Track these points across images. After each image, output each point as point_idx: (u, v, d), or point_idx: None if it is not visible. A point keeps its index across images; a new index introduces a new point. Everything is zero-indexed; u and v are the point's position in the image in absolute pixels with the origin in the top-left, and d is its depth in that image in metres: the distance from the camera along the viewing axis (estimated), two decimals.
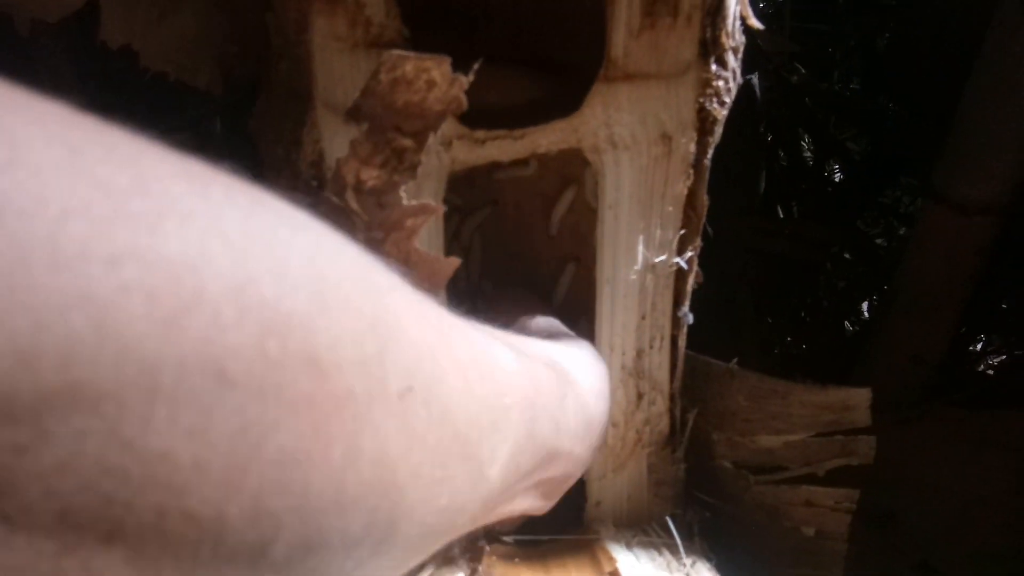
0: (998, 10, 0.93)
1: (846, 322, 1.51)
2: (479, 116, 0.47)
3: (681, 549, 0.50)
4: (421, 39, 0.44)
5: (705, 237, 1.60)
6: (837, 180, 1.65)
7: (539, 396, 0.29)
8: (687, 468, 0.60)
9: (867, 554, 0.98)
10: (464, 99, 0.35)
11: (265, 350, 0.15)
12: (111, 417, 0.13)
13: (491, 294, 0.56)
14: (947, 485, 1.08)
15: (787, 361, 1.43)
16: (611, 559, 0.50)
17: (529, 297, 0.54)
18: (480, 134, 0.46)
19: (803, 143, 1.62)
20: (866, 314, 1.48)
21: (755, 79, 1.51)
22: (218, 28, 0.50)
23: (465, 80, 0.35)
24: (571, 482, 0.37)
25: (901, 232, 1.51)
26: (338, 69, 0.41)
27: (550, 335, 0.43)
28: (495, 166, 0.51)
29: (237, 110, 0.51)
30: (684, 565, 0.49)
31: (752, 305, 1.47)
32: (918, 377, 1.16)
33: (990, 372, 1.31)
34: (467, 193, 0.56)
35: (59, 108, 0.15)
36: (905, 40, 1.31)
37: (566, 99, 0.49)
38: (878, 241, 1.60)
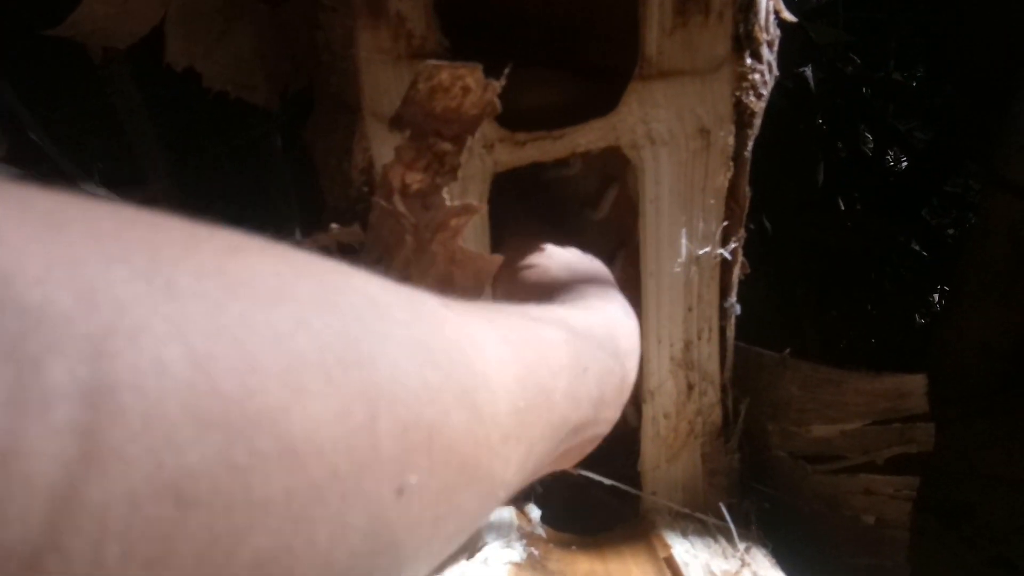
0: None
1: (915, 315, 1.48)
2: (519, 118, 0.49)
3: (735, 535, 0.51)
4: (460, 46, 0.46)
5: (763, 232, 1.57)
6: (899, 170, 1.61)
7: (556, 380, 0.28)
8: (742, 459, 0.61)
9: (941, 548, 0.95)
10: (498, 103, 0.37)
11: (230, 459, 0.13)
12: (57, 572, 0.11)
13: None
14: (1021, 478, 1.04)
15: (852, 355, 1.41)
16: (665, 545, 0.51)
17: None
18: (521, 136, 0.48)
19: (862, 134, 1.59)
20: (936, 306, 1.44)
21: (808, 71, 1.49)
22: (272, 48, 0.53)
23: (498, 85, 0.36)
24: (598, 441, 0.37)
25: (970, 221, 1.47)
26: (383, 81, 0.44)
27: (577, 283, 0.42)
28: (541, 167, 0.52)
29: (293, 125, 0.54)
30: (739, 550, 0.49)
31: (814, 300, 1.45)
32: (989, 368, 1.13)
33: None
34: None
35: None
36: (961, 24, 1.28)
37: (604, 99, 0.50)
38: (948, 231, 1.55)
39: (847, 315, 1.47)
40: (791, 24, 1.55)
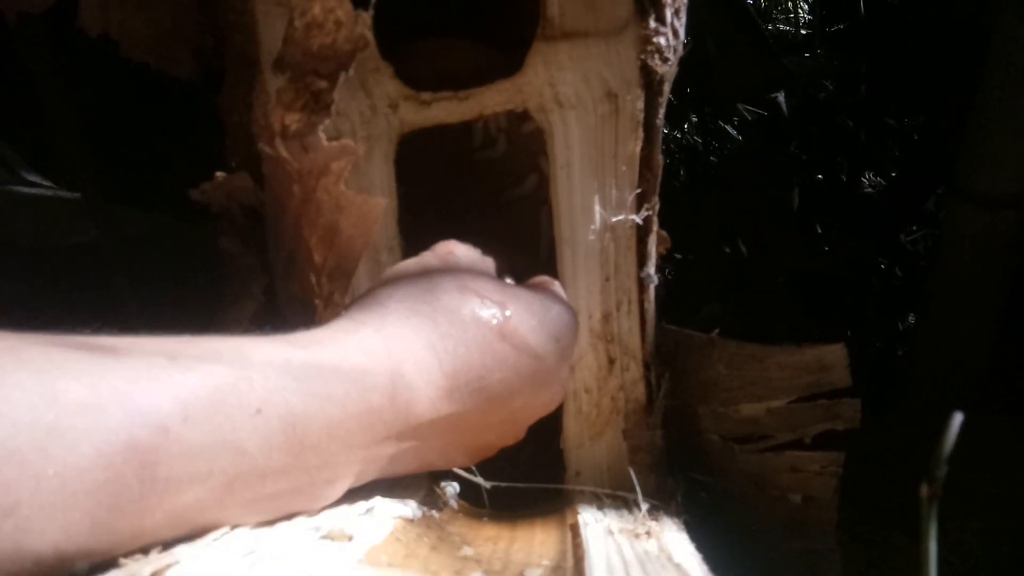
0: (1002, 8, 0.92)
1: (894, 336, 1.46)
2: (432, 83, 0.50)
3: (640, 498, 0.50)
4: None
5: (739, 256, 1.57)
6: (873, 193, 1.62)
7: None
8: (667, 437, 0.60)
9: (911, 566, 0.93)
10: (369, 36, 0.38)
11: None
12: None
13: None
14: (996, 495, 1.02)
15: None
16: (575, 513, 0.49)
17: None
18: (426, 96, 0.49)
19: (837, 159, 1.60)
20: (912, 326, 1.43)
21: (781, 97, 1.51)
22: (194, 21, 0.54)
23: (367, 16, 0.37)
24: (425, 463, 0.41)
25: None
26: (280, 32, 0.45)
27: (409, 298, 0.39)
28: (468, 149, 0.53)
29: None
30: (646, 519, 0.48)
31: (790, 323, 1.44)
32: (963, 384, 1.11)
33: None
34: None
35: None
36: (918, 50, 1.30)
37: (514, 65, 0.51)
38: (922, 250, 1.55)
39: (825, 338, 1.45)
40: (768, 50, 1.56)
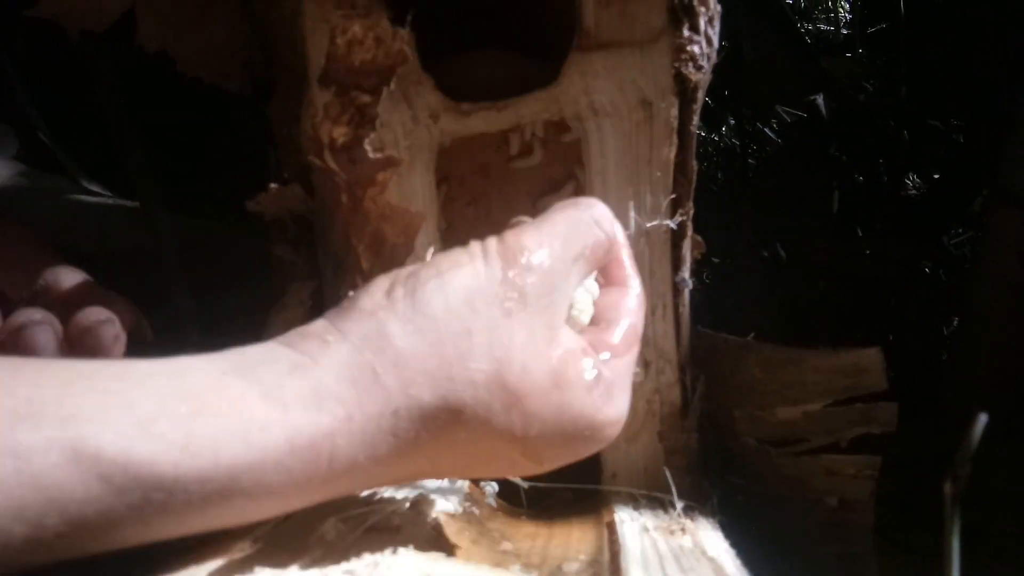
0: None
1: (934, 339, 1.44)
2: (468, 94, 0.51)
3: (676, 500, 0.51)
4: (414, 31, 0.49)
5: (778, 259, 1.56)
6: (916, 196, 1.60)
7: None
8: (703, 441, 0.60)
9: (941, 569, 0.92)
10: (408, 51, 0.39)
11: None
12: None
13: None
14: None
15: None
16: (610, 511, 0.50)
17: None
18: (465, 106, 0.50)
19: (878, 161, 1.58)
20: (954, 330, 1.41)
21: (820, 99, 1.50)
22: (245, 37, 0.57)
23: (405, 33, 0.39)
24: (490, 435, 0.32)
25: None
26: (326, 48, 0.47)
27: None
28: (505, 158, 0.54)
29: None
30: (681, 517, 0.49)
31: (830, 327, 1.43)
32: (1006, 389, 1.09)
33: None
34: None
35: None
36: (968, 42, 1.28)
37: (551, 75, 0.52)
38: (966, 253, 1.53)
39: (865, 342, 1.44)
40: (804, 55, 1.55)
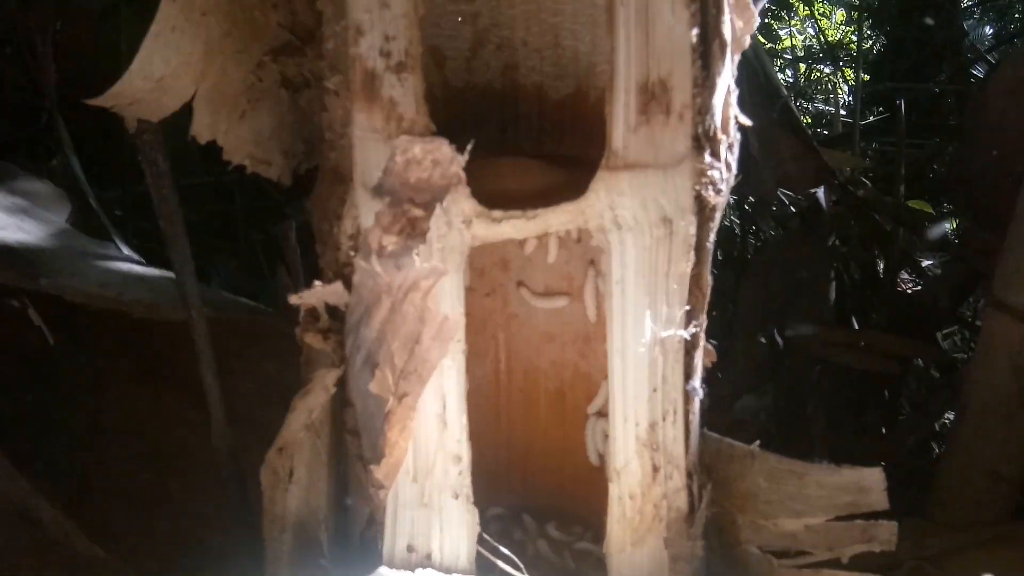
0: None
1: (928, 437, 1.46)
2: (501, 201, 0.54)
3: None
4: (456, 139, 0.52)
5: (774, 347, 1.58)
6: (913, 294, 1.63)
7: None
8: (707, 548, 0.61)
9: None
10: (463, 174, 0.42)
11: None
12: None
13: None
14: None
15: None
16: None
17: None
18: (497, 214, 0.53)
19: (876, 257, 1.62)
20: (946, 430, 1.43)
21: (821, 193, 1.54)
22: (288, 127, 0.60)
23: (463, 159, 0.41)
24: None
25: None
26: (374, 156, 0.49)
27: None
28: None
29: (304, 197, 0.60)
30: None
31: (823, 416, 1.45)
32: (998, 495, 1.10)
33: None
34: None
35: None
36: (967, 152, 1.33)
37: (579, 187, 0.55)
38: (961, 356, 1.56)
39: (857, 432, 1.46)
40: (808, 147, 1.61)
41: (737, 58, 0.55)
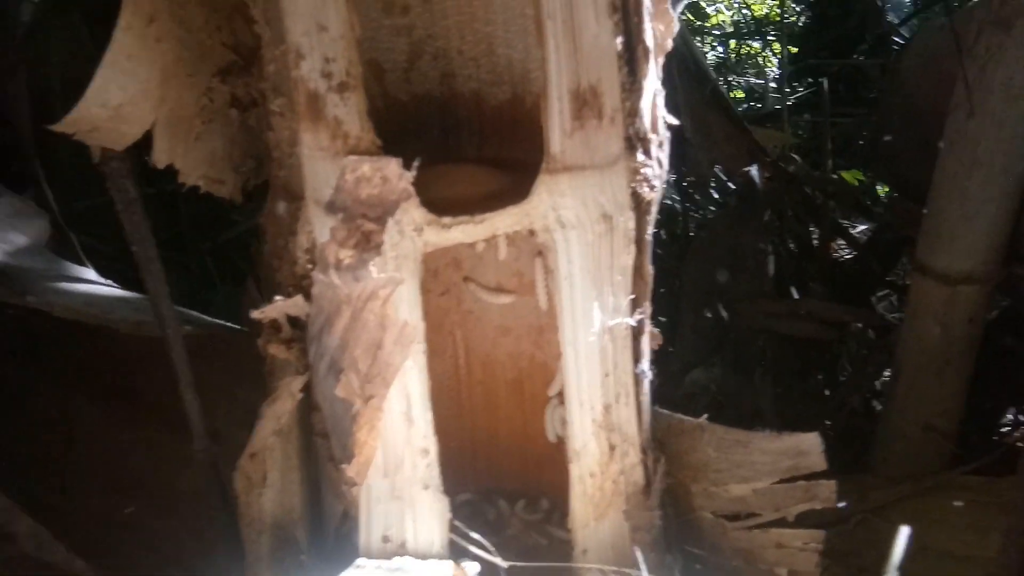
0: (955, 91, 1.02)
1: (868, 397, 1.53)
2: (449, 206, 0.57)
3: (645, 574, 0.55)
4: (399, 148, 0.54)
5: (720, 320, 1.64)
6: (845, 261, 1.70)
7: None
8: (672, 520, 0.66)
9: None
10: (412, 190, 0.45)
11: None
12: None
13: None
14: (967, 554, 1.07)
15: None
16: None
17: None
18: (447, 220, 0.55)
19: (808, 229, 1.68)
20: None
21: (754, 171, 1.60)
22: (238, 145, 0.61)
23: (411, 175, 0.44)
24: None
25: None
26: (323, 173, 0.52)
27: None
28: None
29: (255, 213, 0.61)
30: None
31: (770, 383, 1.51)
32: (934, 447, 1.17)
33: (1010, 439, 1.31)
34: None
35: None
36: (890, 123, 1.40)
37: (522, 190, 0.58)
38: (892, 317, 1.63)
39: (803, 396, 1.52)
40: (738, 127, 1.66)
41: (661, 60, 0.58)
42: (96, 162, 0.54)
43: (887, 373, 1.48)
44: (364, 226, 0.45)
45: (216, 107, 0.61)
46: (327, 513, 0.65)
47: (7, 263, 0.78)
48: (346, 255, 0.46)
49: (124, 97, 0.53)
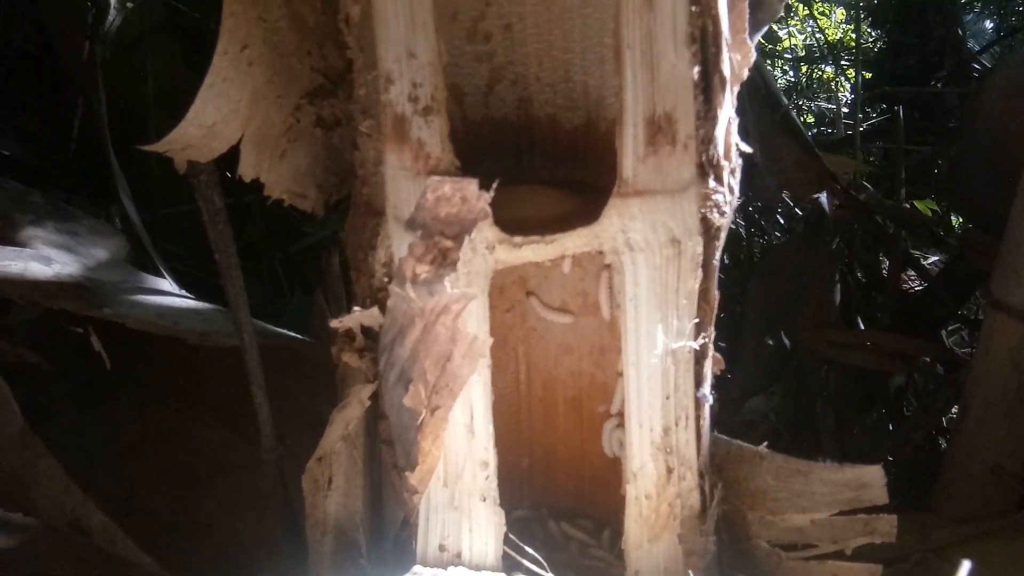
0: None
1: (933, 433, 1.49)
2: (521, 226, 0.59)
3: None
4: (476, 169, 0.56)
5: (782, 349, 1.62)
6: (915, 293, 1.66)
7: None
8: (720, 543, 0.66)
9: None
10: (489, 210, 0.47)
11: None
12: None
13: None
14: None
15: None
16: None
17: None
18: (518, 239, 0.57)
19: (879, 259, 1.65)
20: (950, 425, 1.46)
21: (823, 197, 1.58)
22: (321, 163, 0.65)
23: (488, 195, 0.46)
24: None
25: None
26: (404, 191, 0.54)
27: None
28: None
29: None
30: None
31: (832, 414, 1.48)
32: (1001, 488, 1.14)
33: None
34: None
35: None
36: (964, 159, 1.37)
37: (592, 212, 0.59)
38: (961, 352, 1.58)
39: (865, 430, 1.49)
40: (809, 153, 1.64)
41: (737, 89, 0.59)
42: (183, 174, 0.58)
43: (954, 410, 1.44)
44: (441, 243, 0.47)
45: (302, 126, 0.64)
46: (388, 519, 0.68)
47: (88, 277, 0.83)
48: (423, 270, 0.48)
49: (218, 116, 0.57)
